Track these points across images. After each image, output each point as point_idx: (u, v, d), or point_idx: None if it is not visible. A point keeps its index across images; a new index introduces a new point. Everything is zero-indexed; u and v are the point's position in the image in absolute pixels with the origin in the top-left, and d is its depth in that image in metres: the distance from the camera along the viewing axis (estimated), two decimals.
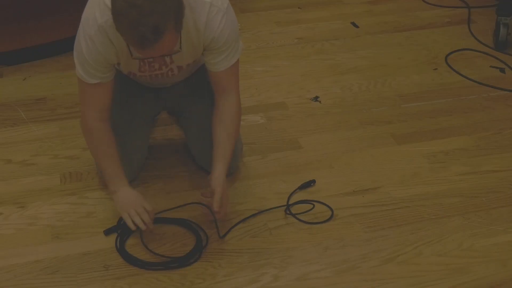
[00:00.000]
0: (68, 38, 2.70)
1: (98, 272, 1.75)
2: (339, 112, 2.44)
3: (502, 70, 2.71)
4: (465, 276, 1.75)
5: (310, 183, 2.04)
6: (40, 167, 2.13)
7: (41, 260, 1.78)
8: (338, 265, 1.78)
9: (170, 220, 1.90)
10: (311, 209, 1.95)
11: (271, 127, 2.33)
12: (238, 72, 1.84)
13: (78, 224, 1.90)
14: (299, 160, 2.17)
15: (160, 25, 1.42)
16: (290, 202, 1.97)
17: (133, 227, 1.81)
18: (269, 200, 2.00)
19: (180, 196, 2.00)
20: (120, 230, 1.86)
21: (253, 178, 2.08)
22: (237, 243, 1.85)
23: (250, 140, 2.24)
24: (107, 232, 1.85)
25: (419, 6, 3.27)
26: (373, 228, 1.90)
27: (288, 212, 1.93)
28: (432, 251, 1.83)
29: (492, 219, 1.94)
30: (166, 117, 2.34)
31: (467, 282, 1.73)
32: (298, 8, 3.24)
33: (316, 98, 2.51)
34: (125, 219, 1.83)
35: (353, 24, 3.10)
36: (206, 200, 1.82)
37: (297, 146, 2.24)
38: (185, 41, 1.70)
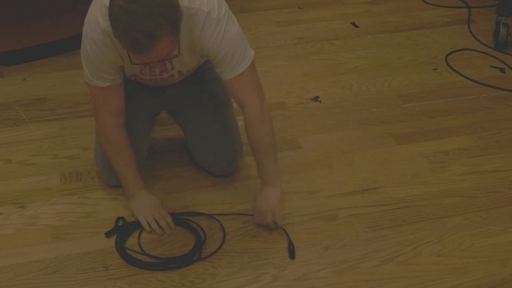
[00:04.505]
0: (68, 38, 2.72)
1: (98, 272, 1.75)
2: (339, 112, 2.44)
3: (502, 70, 2.71)
4: (465, 276, 1.75)
5: None
6: (40, 167, 2.13)
7: (41, 260, 1.78)
8: (338, 265, 1.78)
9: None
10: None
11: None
12: (254, 81, 1.77)
13: (78, 224, 1.91)
14: (299, 160, 2.17)
15: (154, 30, 1.42)
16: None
17: (149, 230, 1.86)
18: None
19: (180, 196, 2.00)
20: (120, 230, 1.86)
21: (253, 178, 2.07)
22: (237, 243, 1.85)
23: None
24: (108, 234, 1.85)
25: (419, 6, 3.27)
26: (373, 228, 1.90)
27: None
28: (432, 251, 1.83)
29: (492, 219, 1.94)
30: (166, 117, 2.34)
31: (467, 282, 1.74)
32: (298, 8, 3.24)
33: (316, 98, 2.51)
34: (142, 223, 1.86)
35: (353, 24, 3.10)
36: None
37: (297, 146, 2.24)
38: (186, 47, 1.71)
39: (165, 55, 1.53)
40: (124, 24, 1.42)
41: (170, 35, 1.47)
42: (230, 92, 1.80)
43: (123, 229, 1.87)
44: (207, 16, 1.64)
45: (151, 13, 1.41)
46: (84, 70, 1.73)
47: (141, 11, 1.40)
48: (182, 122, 2.09)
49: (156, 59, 1.53)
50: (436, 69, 2.72)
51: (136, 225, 1.88)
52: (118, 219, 1.90)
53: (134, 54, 1.52)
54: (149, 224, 1.86)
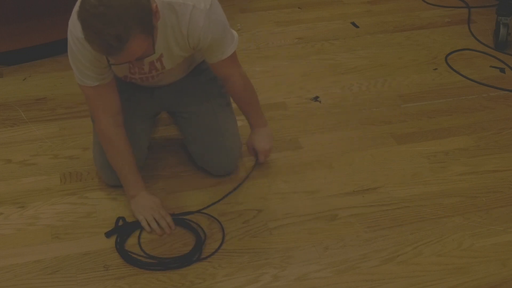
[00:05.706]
0: None
1: (98, 272, 1.75)
2: (339, 112, 2.44)
3: (502, 70, 2.71)
4: (465, 276, 1.75)
5: None
6: (40, 167, 2.13)
7: (41, 260, 1.78)
8: (338, 265, 1.78)
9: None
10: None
11: (271, 127, 2.32)
12: (236, 60, 1.88)
13: (78, 224, 1.91)
14: (299, 160, 2.17)
15: (123, 32, 1.43)
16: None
17: (149, 230, 1.86)
18: (269, 200, 2.00)
19: (180, 196, 2.00)
20: (120, 230, 1.86)
21: (253, 178, 2.08)
22: (237, 243, 1.85)
23: None
24: (108, 234, 1.86)
25: (419, 6, 3.27)
26: (373, 228, 1.90)
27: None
28: (432, 251, 1.83)
29: (492, 219, 1.94)
30: (166, 117, 2.34)
31: (467, 282, 1.74)
32: (298, 8, 3.24)
33: (316, 98, 2.51)
34: (142, 223, 1.86)
35: (353, 24, 3.10)
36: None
37: (297, 146, 2.24)
38: (174, 41, 1.72)
39: (140, 54, 1.54)
40: (94, 28, 1.43)
41: (142, 34, 1.48)
42: (214, 70, 1.89)
43: (123, 229, 1.87)
44: (193, 9, 1.66)
45: (120, 15, 1.42)
46: (74, 71, 1.74)
47: (109, 14, 1.41)
48: (181, 122, 2.09)
49: (132, 59, 1.54)
50: (436, 69, 2.72)
51: (136, 225, 1.88)
52: (118, 219, 1.90)
53: (108, 57, 1.54)
54: (149, 224, 1.86)
